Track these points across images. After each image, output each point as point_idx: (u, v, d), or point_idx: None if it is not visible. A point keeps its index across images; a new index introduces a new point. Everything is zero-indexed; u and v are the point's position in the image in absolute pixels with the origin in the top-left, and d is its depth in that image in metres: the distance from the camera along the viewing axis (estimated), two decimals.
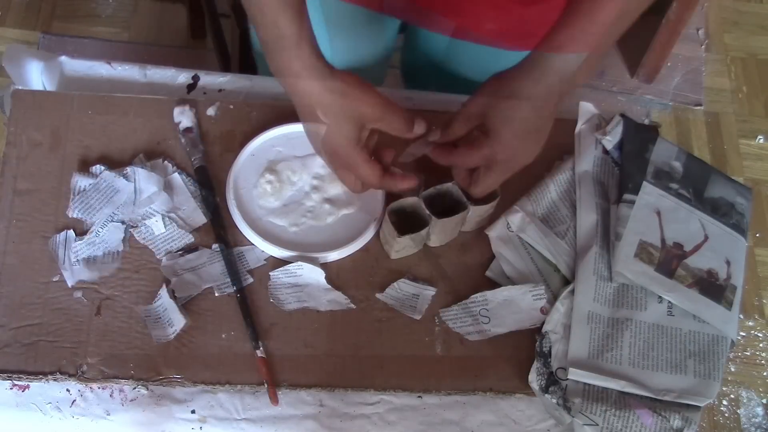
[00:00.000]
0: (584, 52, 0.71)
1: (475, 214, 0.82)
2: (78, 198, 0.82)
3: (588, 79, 0.73)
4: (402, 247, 0.82)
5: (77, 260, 0.80)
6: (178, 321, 0.77)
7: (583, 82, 0.73)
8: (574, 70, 0.71)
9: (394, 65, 1.19)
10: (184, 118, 0.87)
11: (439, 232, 0.83)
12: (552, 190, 0.87)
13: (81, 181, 0.83)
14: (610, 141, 0.90)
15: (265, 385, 0.76)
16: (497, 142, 0.73)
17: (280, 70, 0.71)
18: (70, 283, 0.79)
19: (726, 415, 1.60)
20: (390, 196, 0.85)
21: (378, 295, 0.82)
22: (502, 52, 0.94)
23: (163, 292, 0.78)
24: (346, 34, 0.98)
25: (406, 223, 0.80)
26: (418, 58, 1.09)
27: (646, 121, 0.97)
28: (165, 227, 0.82)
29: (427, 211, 0.79)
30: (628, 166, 0.87)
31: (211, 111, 0.90)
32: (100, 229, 0.81)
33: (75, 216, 0.82)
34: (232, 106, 0.91)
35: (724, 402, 1.61)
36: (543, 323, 0.81)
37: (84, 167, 0.84)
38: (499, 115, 0.73)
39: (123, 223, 0.82)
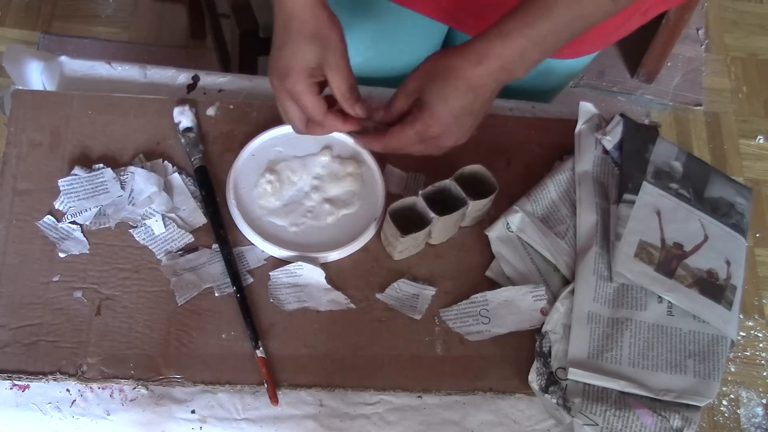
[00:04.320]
0: (530, 45, 0.69)
1: (474, 208, 0.82)
2: (69, 179, 0.82)
3: (529, 70, 0.71)
4: (405, 247, 0.82)
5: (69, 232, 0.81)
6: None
7: (524, 74, 0.72)
8: (516, 60, 0.70)
9: None
10: (183, 118, 0.87)
11: (441, 230, 0.83)
12: (552, 190, 0.87)
13: (79, 172, 0.84)
14: (610, 141, 0.90)
15: (265, 385, 0.76)
16: (430, 116, 0.73)
17: None
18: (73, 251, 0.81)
19: (726, 415, 1.60)
20: (391, 197, 0.85)
21: (378, 295, 0.82)
22: (552, 61, 0.94)
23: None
24: (392, 37, 0.97)
25: (406, 222, 0.80)
26: None
27: (646, 121, 0.97)
28: (165, 227, 0.82)
29: (429, 209, 0.79)
30: (628, 166, 0.87)
31: (211, 111, 0.90)
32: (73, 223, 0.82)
33: (61, 189, 0.82)
34: (232, 106, 0.91)
35: (724, 402, 1.61)
36: (543, 324, 0.81)
37: (84, 167, 0.84)
38: (435, 90, 0.72)
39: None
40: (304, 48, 0.71)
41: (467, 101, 0.72)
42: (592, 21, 0.70)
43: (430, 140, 0.75)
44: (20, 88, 0.90)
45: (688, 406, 0.76)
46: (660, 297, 0.81)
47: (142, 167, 0.84)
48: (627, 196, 0.85)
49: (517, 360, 0.80)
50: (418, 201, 0.80)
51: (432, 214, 0.79)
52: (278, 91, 0.74)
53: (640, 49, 1.92)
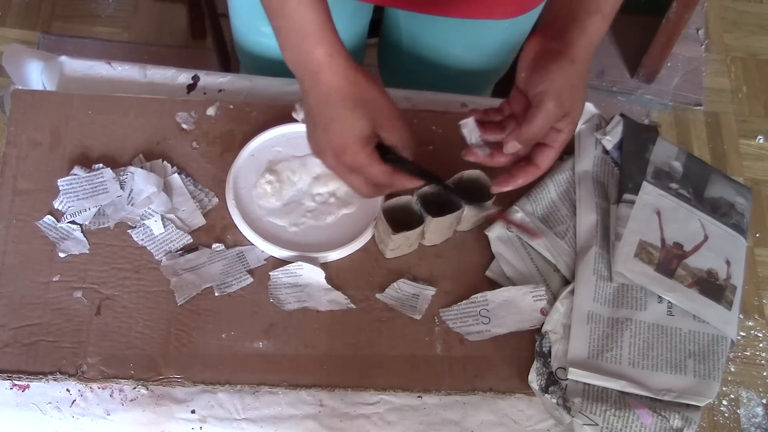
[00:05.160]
0: (606, 15, 0.72)
1: (470, 213, 0.82)
2: (69, 179, 0.82)
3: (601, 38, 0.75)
4: (397, 245, 0.82)
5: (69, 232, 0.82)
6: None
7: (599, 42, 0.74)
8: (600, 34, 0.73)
9: (370, 63, 1.19)
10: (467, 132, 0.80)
11: (434, 231, 0.83)
12: (552, 190, 0.87)
13: (79, 172, 0.84)
14: (610, 141, 0.90)
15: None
16: (563, 98, 0.71)
17: (300, 58, 0.68)
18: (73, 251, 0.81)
19: (726, 415, 1.60)
20: (391, 197, 0.85)
21: (378, 295, 0.82)
22: (490, 22, 0.94)
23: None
24: None
25: (401, 222, 0.80)
26: (400, 48, 1.07)
27: (646, 121, 0.98)
28: (164, 228, 0.82)
29: (422, 210, 0.79)
30: (628, 166, 0.87)
31: (211, 111, 0.90)
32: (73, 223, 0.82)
33: (60, 189, 0.82)
34: (232, 106, 0.91)
35: (724, 402, 1.61)
36: (543, 324, 0.81)
37: (84, 167, 0.84)
38: (558, 74, 0.71)
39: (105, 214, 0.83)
40: (353, 119, 0.68)
41: (584, 75, 0.73)
42: None
43: (563, 123, 0.73)
44: (20, 88, 0.90)
45: (688, 406, 0.76)
46: (660, 297, 0.81)
47: (142, 167, 0.84)
48: (627, 196, 0.85)
49: (517, 360, 0.80)
50: (414, 201, 0.80)
51: (425, 215, 0.79)
52: (335, 167, 0.71)
53: (640, 49, 1.92)
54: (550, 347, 0.79)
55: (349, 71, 0.68)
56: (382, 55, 1.16)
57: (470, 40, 1.00)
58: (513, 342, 0.81)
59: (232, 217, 0.84)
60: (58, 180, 0.82)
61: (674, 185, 0.87)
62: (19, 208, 0.82)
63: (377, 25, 1.10)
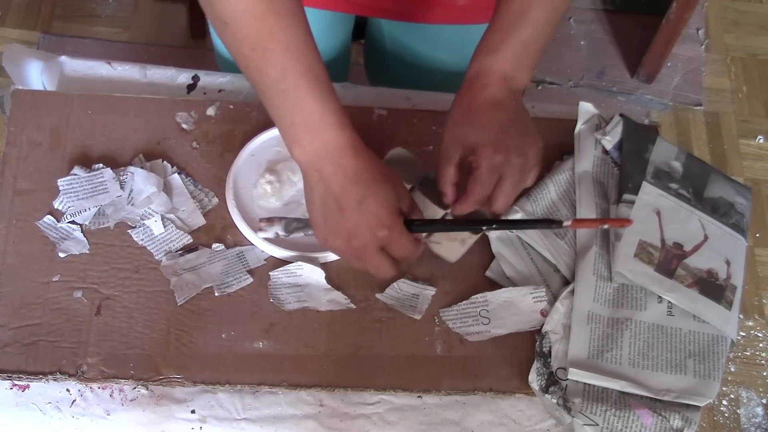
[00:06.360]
0: (519, 50, 0.71)
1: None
2: (69, 179, 0.82)
3: (532, 70, 0.73)
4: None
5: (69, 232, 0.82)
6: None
7: (529, 76, 0.73)
8: (514, 66, 0.71)
9: (358, 63, 1.18)
10: None
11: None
12: (552, 190, 0.87)
13: (79, 172, 0.84)
14: (610, 141, 0.90)
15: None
16: (491, 149, 0.70)
17: (320, 148, 0.67)
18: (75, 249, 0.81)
19: (726, 415, 1.60)
20: None
21: (378, 295, 0.82)
22: (473, 27, 0.93)
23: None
24: None
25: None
26: (384, 51, 1.07)
27: (646, 121, 0.97)
28: (164, 228, 0.82)
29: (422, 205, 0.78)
30: (628, 166, 0.87)
31: (211, 111, 0.90)
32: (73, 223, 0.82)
33: (60, 189, 0.82)
34: (232, 106, 0.91)
35: (724, 402, 1.61)
36: (543, 324, 0.81)
37: (84, 167, 0.84)
38: (473, 132, 0.71)
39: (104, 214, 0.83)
40: (388, 191, 0.68)
41: (501, 116, 0.71)
42: (564, 9, 0.72)
43: (506, 168, 0.71)
44: (20, 88, 0.90)
45: (688, 406, 0.76)
46: (660, 297, 0.81)
47: (142, 167, 0.84)
48: (627, 196, 0.85)
49: (517, 360, 0.80)
50: (416, 194, 0.80)
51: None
52: (366, 250, 0.69)
53: (640, 49, 1.92)
54: (550, 347, 0.79)
55: (368, 150, 0.69)
56: (367, 57, 1.16)
57: (454, 45, 1.00)
58: (513, 342, 0.81)
59: (232, 217, 0.84)
60: (58, 180, 0.82)
61: (674, 185, 0.87)
62: (19, 208, 0.82)
63: (363, 27, 1.10)
